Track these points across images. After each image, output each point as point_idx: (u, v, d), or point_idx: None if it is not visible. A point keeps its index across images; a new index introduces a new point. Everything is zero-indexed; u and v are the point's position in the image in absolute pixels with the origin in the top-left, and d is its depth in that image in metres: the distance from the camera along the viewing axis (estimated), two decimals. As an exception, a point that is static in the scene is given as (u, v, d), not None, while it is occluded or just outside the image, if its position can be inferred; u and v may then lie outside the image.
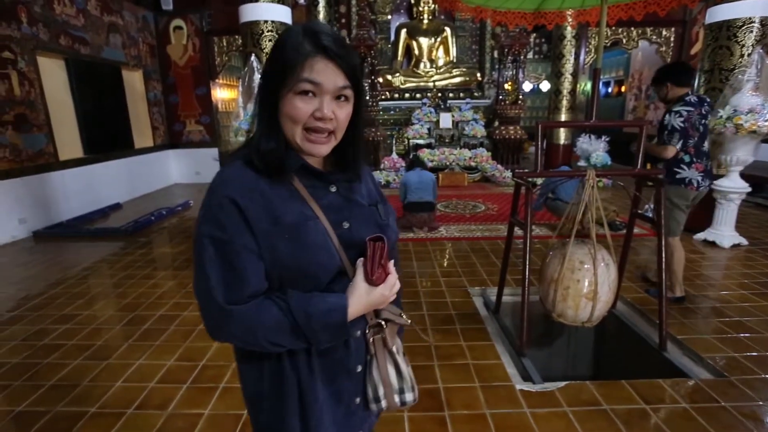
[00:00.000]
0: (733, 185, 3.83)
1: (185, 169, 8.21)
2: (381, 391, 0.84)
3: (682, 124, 2.58)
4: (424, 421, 1.82)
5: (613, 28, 7.56)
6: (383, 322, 0.84)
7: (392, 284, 0.80)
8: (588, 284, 2.15)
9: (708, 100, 2.70)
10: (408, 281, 3.27)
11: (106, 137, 6.28)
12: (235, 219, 0.70)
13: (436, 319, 2.68)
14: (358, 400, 0.86)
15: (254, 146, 0.74)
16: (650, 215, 2.49)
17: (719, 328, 2.53)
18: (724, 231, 3.96)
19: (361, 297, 0.75)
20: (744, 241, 3.94)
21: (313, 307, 0.71)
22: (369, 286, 0.76)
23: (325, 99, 0.72)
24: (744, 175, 3.98)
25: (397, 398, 0.85)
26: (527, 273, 2.31)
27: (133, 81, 7.08)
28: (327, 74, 0.70)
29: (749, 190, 3.86)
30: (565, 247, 2.21)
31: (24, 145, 4.82)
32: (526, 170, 2.53)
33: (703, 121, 2.65)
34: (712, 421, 1.78)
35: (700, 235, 4.13)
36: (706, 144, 2.73)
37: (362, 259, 0.77)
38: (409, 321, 0.88)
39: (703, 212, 4.15)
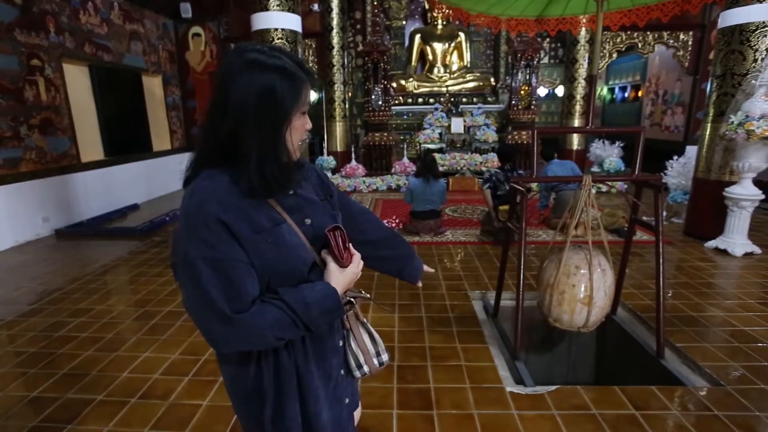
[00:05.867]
0: (745, 192, 3.75)
1: (202, 171, 8.43)
2: (362, 358, 0.99)
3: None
4: (413, 419, 1.86)
5: (628, 32, 7.47)
6: (353, 299, 0.95)
7: (358, 260, 0.91)
8: (584, 289, 2.16)
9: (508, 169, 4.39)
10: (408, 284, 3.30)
11: (125, 140, 6.54)
12: (223, 236, 0.75)
13: (433, 321, 2.72)
14: (342, 372, 0.99)
15: (255, 169, 0.78)
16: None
17: (722, 337, 2.49)
18: (736, 239, 3.87)
19: (339, 279, 0.86)
20: (757, 250, 3.84)
21: (309, 297, 0.80)
22: (341, 269, 0.87)
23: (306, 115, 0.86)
24: (761, 182, 3.89)
25: (375, 361, 1.00)
26: (522, 277, 2.32)
27: (153, 86, 7.35)
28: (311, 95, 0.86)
29: (762, 197, 3.77)
30: (561, 252, 2.23)
31: (49, 147, 5.07)
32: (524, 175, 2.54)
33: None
34: (703, 429, 1.77)
35: (712, 243, 4.04)
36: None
37: (325, 249, 0.88)
38: (369, 295, 1.02)
39: (715, 219, 4.07)
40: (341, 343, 0.97)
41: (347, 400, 1.00)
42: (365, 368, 0.98)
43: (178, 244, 0.78)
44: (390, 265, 1.14)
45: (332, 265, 0.86)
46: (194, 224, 0.75)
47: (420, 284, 1.22)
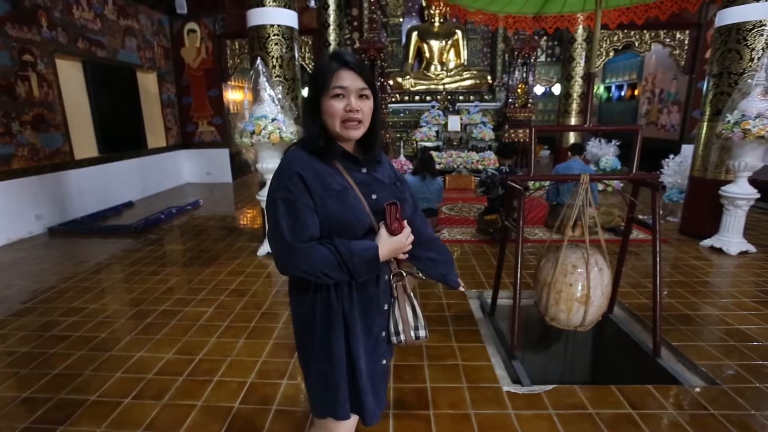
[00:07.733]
0: (741, 191, 3.76)
1: (197, 168, 8.38)
2: (401, 327, 1.13)
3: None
4: (409, 419, 1.85)
5: (625, 30, 7.47)
6: (404, 273, 1.14)
7: (407, 234, 1.09)
8: (581, 288, 2.16)
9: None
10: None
11: (120, 137, 6.47)
12: (299, 186, 0.99)
13: (430, 320, 2.67)
14: (383, 333, 1.14)
15: (308, 141, 1.05)
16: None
17: (717, 336, 2.50)
18: (732, 238, 3.88)
19: (385, 243, 1.05)
20: (752, 249, 3.86)
21: (354, 247, 0.99)
22: (390, 236, 1.05)
23: (351, 97, 1.00)
24: (756, 182, 3.91)
25: (412, 333, 1.14)
26: (519, 276, 2.32)
27: (148, 83, 7.28)
28: (350, 80, 1.00)
29: (758, 196, 3.78)
30: (558, 251, 2.22)
31: (42, 144, 5.01)
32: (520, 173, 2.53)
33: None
34: (699, 428, 1.77)
35: (707, 242, 4.06)
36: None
37: (382, 221, 1.06)
38: (423, 277, 1.23)
39: (711, 218, 4.09)
40: (386, 307, 1.13)
41: (384, 362, 1.16)
42: (402, 336, 1.13)
43: (271, 189, 1.03)
44: (435, 267, 1.28)
45: (383, 231, 1.05)
46: (282, 175, 1.01)
47: (463, 289, 1.37)
